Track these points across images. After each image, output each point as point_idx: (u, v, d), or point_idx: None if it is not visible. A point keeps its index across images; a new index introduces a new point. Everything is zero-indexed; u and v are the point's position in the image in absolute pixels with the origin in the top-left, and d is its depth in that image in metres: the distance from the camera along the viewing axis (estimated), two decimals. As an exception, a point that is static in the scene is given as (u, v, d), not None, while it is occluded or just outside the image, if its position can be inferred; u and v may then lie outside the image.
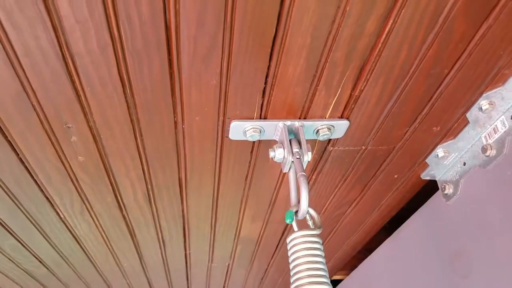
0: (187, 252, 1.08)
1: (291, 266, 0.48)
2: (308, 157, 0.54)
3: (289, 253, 0.49)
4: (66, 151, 0.57)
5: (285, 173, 0.62)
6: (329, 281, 0.47)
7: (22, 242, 0.92)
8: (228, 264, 1.20)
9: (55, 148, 0.56)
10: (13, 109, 0.48)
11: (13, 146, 0.56)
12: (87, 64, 0.43)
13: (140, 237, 0.94)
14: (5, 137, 0.54)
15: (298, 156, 0.53)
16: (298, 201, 0.51)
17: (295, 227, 0.51)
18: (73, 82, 0.45)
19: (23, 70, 0.43)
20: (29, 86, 0.45)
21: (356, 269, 1.13)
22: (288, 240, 0.50)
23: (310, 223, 0.52)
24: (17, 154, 0.57)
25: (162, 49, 0.42)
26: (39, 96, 0.47)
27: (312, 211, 0.51)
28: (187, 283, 1.37)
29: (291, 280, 0.47)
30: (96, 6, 0.36)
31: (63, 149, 0.56)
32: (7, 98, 0.47)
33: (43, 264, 1.08)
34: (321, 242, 0.50)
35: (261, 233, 0.96)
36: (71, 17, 0.38)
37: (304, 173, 0.51)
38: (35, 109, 0.49)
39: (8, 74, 0.44)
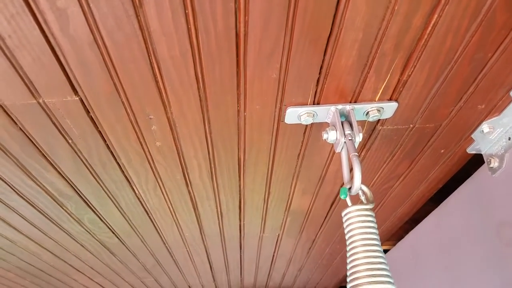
0: (242, 223, 1.18)
1: (346, 237, 0.55)
2: (359, 138, 0.59)
3: (345, 225, 0.56)
4: (147, 138, 0.66)
5: (336, 152, 0.68)
6: (383, 254, 0.53)
7: (99, 215, 1.04)
8: (278, 234, 1.29)
9: (137, 136, 0.65)
10: (106, 105, 0.58)
11: (102, 135, 0.65)
12: (169, 67, 0.51)
13: (202, 209, 1.04)
14: (96, 128, 0.64)
15: (350, 138, 0.59)
16: (351, 178, 0.57)
17: (349, 202, 0.57)
18: (156, 81, 0.53)
19: (117, 74, 0.52)
20: (121, 87, 0.54)
21: (403, 239, 1.19)
22: (343, 213, 0.57)
23: (362, 198, 0.58)
24: (105, 141, 0.67)
25: (232, 52, 0.49)
26: (128, 94, 0.56)
27: (364, 187, 0.57)
28: (240, 251, 1.48)
29: (348, 254, 0.54)
30: (180, 22, 0.44)
31: (144, 136, 0.66)
32: (103, 97, 0.56)
33: (115, 235, 1.22)
34: (373, 215, 0.56)
35: (310, 206, 1.04)
36: (159, 31, 0.45)
37: (356, 153, 0.57)
38: (123, 105, 0.58)
39: (104, 78, 0.52)
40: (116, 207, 0.99)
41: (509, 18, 0.49)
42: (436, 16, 0.48)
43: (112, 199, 0.93)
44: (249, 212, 1.08)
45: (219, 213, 1.08)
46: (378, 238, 0.54)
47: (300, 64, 0.53)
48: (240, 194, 0.97)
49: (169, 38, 0.46)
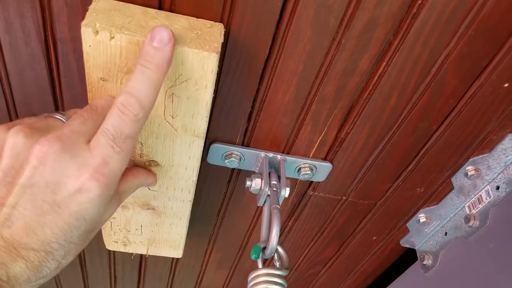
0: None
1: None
2: (285, 192, 0.51)
3: (248, 292, 0.45)
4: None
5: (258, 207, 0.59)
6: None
7: None
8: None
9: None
10: None
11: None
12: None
13: (91, 267, 0.87)
14: None
15: (275, 189, 0.51)
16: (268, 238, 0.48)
17: (259, 264, 0.47)
18: (56, 70, 0.44)
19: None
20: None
21: None
22: (249, 277, 0.46)
23: (277, 264, 0.48)
24: None
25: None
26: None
27: (281, 250, 0.48)
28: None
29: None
30: None
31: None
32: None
33: None
34: (286, 286, 0.46)
35: (226, 283, 0.90)
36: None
37: (278, 206, 0.48)
38: (12, 94, 0.47)
39: None
40: None
41: (459, 86, 0.46)
42: (384, 64, 0.43)
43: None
44: (150, 282, 0.91)
45: (113, 276, 0.89)
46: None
47: (232, 86, 0.46)
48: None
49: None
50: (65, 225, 0.32)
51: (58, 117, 0.37)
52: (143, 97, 0.34)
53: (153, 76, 0.34)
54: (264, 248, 0.48)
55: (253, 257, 0.47)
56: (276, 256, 0.48)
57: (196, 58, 0.38)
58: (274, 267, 0.46)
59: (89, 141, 0.34)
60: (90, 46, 0.37)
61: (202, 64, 0.38)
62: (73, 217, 0.33)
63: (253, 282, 0.45)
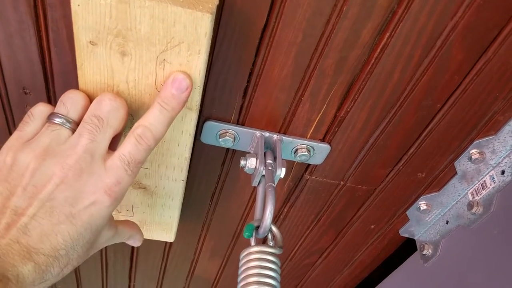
0: (131, 284, 0.97)
1: (239, 285, 0.42)
2: (281, 172, 0.49)
3: (240, 270, 0.43)
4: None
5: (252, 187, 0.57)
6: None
7: None
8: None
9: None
10: None
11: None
12: (60, 15, 0.40)
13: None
14: None
15: (270, 168, 0.48)
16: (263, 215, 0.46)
17: (252, 242, 0.45)
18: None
19: None
20: None
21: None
22: (241, 255, 0.44)
23: (271, 243, 0.46)
24: None
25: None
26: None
27: (275, 229, 0.45)
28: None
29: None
30: None
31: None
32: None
33: None
34: (279, 265, 0.43)
35: (219, 273, 0.88)
36: None
37: (273, 185, 0.46)
38: None
39: None
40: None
41: (464, 61, 0.44)
42: (387, 35, 0.41)
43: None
44: (142, 270, 0.89)
45: (104, 264, 0.87)
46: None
47: (227, 57, 0.44)
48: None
49: None
50: (75, 233, 0.37)
51: (58, 121, 0.39)
52: (158, 131, 0.39)
53: (168, 115, 0.39)
54: (258, 228, 0.46)
55: (245, 235, 0.45)
56: (270, 236, 0.46)
57: (189, 19, 0.35)
58: (267, 245, 0.44)
59: (103, 155, 0.38)
60: (79, 5, 0.35)
61: (196, 25, 0.36)
62: (83, 227, 0.37)
63: (245, 260, 0.42)
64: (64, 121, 0.39)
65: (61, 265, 0.37)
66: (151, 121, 0.39)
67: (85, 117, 0.39)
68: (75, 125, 0.39)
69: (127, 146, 0.38)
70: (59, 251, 0.36)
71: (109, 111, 0.38)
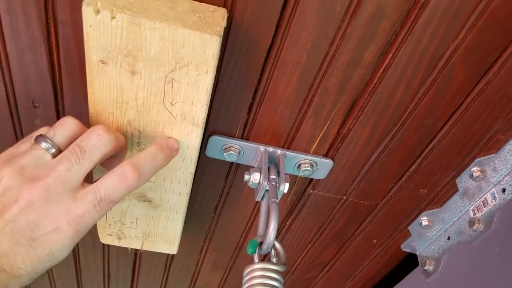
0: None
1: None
2: (285, 187, 0.50)
3: (243, 287, 0.43)
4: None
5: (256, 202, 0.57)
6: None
7: None
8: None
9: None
10: None
11: None
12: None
13: (84, 263, 0.85)
14: None
15: (274, 183, 0.49)
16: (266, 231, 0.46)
17: (256, 259, 0.45)
18: (53, 52, 0.43)
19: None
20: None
21: None
22: (245, 272, 0.44)
23: (274, 260, 0.46)
24: None
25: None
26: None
27: (278, 245, 0.46)
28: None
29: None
30: None
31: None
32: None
33: None
34: (282, 282, 0.44)
35: (221, 285, 0.88)
36: None
37: (277, 200, 0.47)
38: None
39: None
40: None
41: (466, 82, 0.45)
42: (390, 56, 0.42)
43: None
44: (143, 281, 0.89)
45: (106, 274, 0.88)
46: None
47: (233, 75, 0.45)
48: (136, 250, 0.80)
49: None
50: (35, 257, 0.37)
51: (44, 146, 0.38)
52: (144, 174, 0.39)
53: (159, 163, 0.41)
54: (261, 243, 0.46)
55: (249, 251, 0.46)
56: (273, 252, 0.47)
57: (197, 41, 0.36)
58: (270, 262, 0.44)
59: (75, 186, 0.38)
60: (90, 26, 0.36)
61: (204, 47, 0.37)
62: (44, 252, 0.37)
63: (248, 277, 0.43)
64: (49, 145, 0.38)
65: (22, 283, 0.36)
66: (141, 162, 0.39)
67: (71, 145, 0.38)
68: (58, 151, 0.38)
69: (106, 182, 0.38)
70: (18, 270, 0.36)
71: (94, 145, 0.38)
